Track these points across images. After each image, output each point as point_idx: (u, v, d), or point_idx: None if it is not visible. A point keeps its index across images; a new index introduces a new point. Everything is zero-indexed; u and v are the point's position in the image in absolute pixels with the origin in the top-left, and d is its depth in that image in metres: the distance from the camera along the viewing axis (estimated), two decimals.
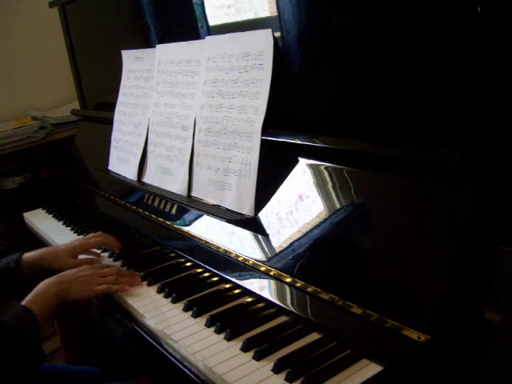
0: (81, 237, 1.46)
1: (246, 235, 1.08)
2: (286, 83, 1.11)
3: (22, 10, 2.40)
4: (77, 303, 1.12)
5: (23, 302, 1.01)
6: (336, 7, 0.97)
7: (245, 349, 0.86)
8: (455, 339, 0.75)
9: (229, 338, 0.89)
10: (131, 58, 1.67)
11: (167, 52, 1.47)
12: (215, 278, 1.12)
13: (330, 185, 0.97)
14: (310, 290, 0.91)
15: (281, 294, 0.97)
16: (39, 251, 1.24)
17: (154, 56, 1.52)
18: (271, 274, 0.99)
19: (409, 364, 0.76)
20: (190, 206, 1.28)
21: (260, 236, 1.05)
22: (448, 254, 0.76)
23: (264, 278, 1.01)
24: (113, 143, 1.74)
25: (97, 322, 1.58)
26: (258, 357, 0.83)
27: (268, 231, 1.05)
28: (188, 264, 1.20)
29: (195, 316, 0.98)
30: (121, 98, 1.72)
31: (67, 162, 2.07)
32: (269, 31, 1.10)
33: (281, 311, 0.95)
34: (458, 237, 0.76)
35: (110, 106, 1.78)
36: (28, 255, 1.22)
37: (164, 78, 1.48)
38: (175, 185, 1.39)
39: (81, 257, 1.27)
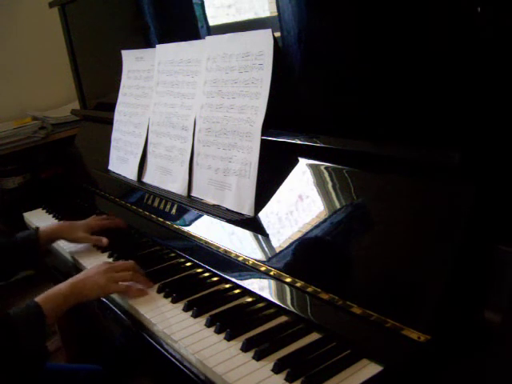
0: None
1: (246, 235, 1.08)
2: (286, 83, 1.11)
3: (22, 10, 2.40)
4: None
5: (36, 299, 1.02)
6: (336, 7, 0.97)
7: (245, 349, 0.86)
8: (455, 339, 0.75)
9: (229, 338, 0.89)
10: (131, 58, 1.67)
11: (167, 52, 1.47)
12: (215, 278, 1.12)
13: (330, 185, 0.97)
14: (309, 289, 0.91)
15: (281, 294, 0.97)
16: (55, 224, 1.43)
17: (154, 56, 1.52)
18: (271, 273, 0.99)
19: (409, 364, 0.75)
20: (189, 206, 1.28)
21: (260, 236, 1.05)
22: (448, 254, 0.76)
23: (264, 278, 1.01)
24: (113, 143, 1.74)
25: (97, 322, 1.58)
26: (258, 357, 0.83)
27: (268, 231, 1.05)
28: (188, 264, 1.20)
29: (195, 316, 0.98)
30: (121, 98, 1.72)
31: (67, 162, 2.06)
32: (269, 31, 1.10)
33: (281, 311, 0.95)
34: (458, 237, 0.76)
35: (110, 106, 1.77)
36: (44, 228, 1.38)
37: (164, 77, 1.48)
38: (175, 185, 1.39)
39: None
